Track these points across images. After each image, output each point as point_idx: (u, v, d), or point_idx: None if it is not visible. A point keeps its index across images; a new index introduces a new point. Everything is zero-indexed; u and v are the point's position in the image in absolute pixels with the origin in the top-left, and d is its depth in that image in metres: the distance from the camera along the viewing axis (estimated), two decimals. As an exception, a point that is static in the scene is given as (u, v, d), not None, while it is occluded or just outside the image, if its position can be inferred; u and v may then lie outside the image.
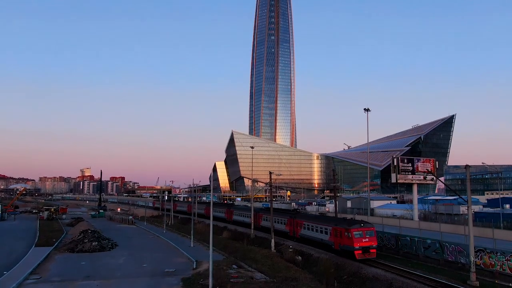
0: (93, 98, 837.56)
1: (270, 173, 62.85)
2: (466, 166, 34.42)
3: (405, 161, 78.08)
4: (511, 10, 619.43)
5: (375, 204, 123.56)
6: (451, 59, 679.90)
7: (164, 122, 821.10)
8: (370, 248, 45.06)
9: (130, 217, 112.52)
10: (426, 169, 76.40)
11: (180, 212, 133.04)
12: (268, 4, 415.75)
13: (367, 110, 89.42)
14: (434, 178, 79.26)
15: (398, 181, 76.08)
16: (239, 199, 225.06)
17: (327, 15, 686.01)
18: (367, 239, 45.23)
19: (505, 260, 36.39)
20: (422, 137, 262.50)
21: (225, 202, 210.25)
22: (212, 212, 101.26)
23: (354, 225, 46.96)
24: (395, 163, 76.36)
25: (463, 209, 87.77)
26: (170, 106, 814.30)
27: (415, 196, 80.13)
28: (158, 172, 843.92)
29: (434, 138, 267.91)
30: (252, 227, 72.70)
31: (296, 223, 61.51)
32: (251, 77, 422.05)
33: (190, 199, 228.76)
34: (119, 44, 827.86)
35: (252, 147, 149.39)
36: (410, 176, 76.42)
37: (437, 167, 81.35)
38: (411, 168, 76.88)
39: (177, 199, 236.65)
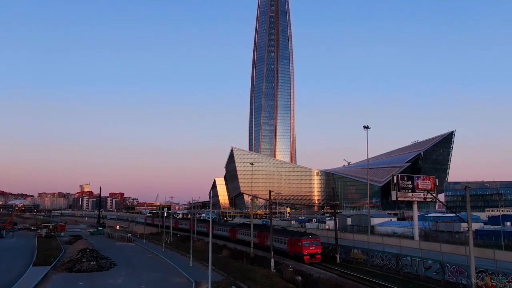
0: (92, 113, 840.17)
1: (270, 192, 62.62)
2: (466, 188, 34.23)
3: (405, 178, 77.70)
4: (510, 28, 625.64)
5: (375, 221, 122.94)
6: (450, 76, 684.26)
7: (164, 137, 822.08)
8: (316, 254, 57.95)
9: (129, 234, 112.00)
10: (426, 187, 76.10)
11: (167, 227, 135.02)
12: (268, 22, 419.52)
13: (366, 127, 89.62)
14: (434, 197, 78.74)
15: (398, 199, 75.65)
16: (238, 216, 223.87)
17: (327, 32, 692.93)
18: (313, 247, 57.59)
19: (507, 281, 36.05)
20: (422, 153, 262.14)
21: (225, 219, 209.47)
22: (196, 227, 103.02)
23: (304, 237, 60.10)
24: (395, 181, 75.99)
25: (463, 226, 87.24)
26: (170, 121, 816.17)
27: (415, 214, 79.73)
28: (158, 188, 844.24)
29: (434, 154, 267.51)
30: (252, 246, 72.29)
31: (263, 236, 72.68)
32: (251, 94, 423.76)
33: (189, 216, 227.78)
34: (120, 60, 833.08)
35: (251, 164, 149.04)
36: (410, 194, 75.95)
37: (437, 184, 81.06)
38: (411, 186, 76.45)
39: (176, 216, 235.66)
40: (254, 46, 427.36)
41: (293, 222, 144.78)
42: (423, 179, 78.35)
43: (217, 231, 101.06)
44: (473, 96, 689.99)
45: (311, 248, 57.28)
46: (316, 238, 60.23)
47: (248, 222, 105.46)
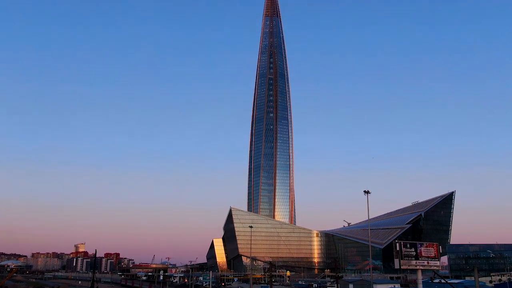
0: (88, 172, 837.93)
1: (271, 262, 61.04)
2: (474, 269, 33.24)
3: (408, 245, 76.19)
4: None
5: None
6: (448, 136, 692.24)
7: (162, 197, 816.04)
8: None
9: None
10: (430, 255, 74.56)
11: None
12: (267, 83, 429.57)
13: (367, 192, 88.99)
14: (439, 264, 77.01)
15: (402, 267, 73.84)
16: (236, 279, 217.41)
17: (326, 93, 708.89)
18: None
19: None
20: (422, 214, 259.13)
21: (223, 284, 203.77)
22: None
23: None
24: (397, 248, 74.49)
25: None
26: (169, 180, 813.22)
27: (420, 283, 77.41)
28: (155, 247, 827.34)
29: (435, 215, 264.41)
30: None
31: None
32: (250, 153, 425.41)
33: (186, 280, 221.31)
34: (117, 120, 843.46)
35: (250, 227, 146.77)
36: (413, 262, 74.28)
37: (440, 251, 79.60)
38: (414, 253, 74.96)
39: (172, 279, 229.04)
40: (253, 107, 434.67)
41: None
42: (426, 246, 76.80)
43: None
44: (473, 157, 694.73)
45: None
46: None
47: None
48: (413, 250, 74.89)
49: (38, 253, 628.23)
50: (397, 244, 75.15)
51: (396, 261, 73.44)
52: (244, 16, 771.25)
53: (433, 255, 76.02)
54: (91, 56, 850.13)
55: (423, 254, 74.97)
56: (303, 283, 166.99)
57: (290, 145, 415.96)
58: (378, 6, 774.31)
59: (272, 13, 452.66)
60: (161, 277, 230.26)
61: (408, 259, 73.84)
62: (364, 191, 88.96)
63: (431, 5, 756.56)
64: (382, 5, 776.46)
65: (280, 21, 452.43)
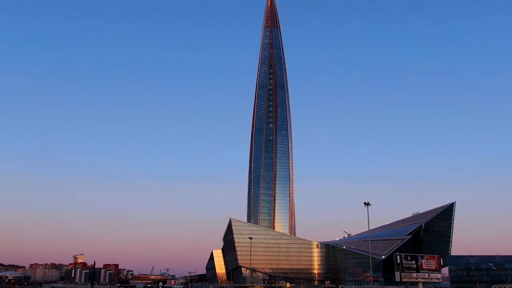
0: (87, 183, 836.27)
1: (270, 274, 60.59)
2: (476, 283, 32.92)
3: (409, 258, 76.14)
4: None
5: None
6: (448, 146, 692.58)
7: (161, 207, 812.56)
8: None
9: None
10: (431, 267, 74.31)
11: None
12: (267, 94, 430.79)
13: (367, 204, 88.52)
14: (440, 277, 76.58)
15: (403, 280, 73.58)
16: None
17: (326, 104, 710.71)
18: None
19: None
20: (423, 225, 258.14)
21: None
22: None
23: None
24: (398, 261, 74.34)
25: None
26: (167, 191, 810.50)
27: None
28: (154, 258, 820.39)
29: (436, 226, 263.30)
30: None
31: None
32: (249, 164, 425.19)
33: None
34: (116, 128, 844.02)
35: (250, 238, 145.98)
36: (414, 275, 74.30)
37: (441, 264, 79.29)
38: (415, 266, 74.99)
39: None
40: (253, 117, 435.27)
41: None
42: (427, 259, 76.76)
43: None
44: (473, 167, 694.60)
45: None
46: None
47: None
48: (414, 262, 74.89)
49: (37, 264, 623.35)
50: (398, 257, 75.12)
51: (397, 273, 73.42)
52: (244, 27, 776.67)
53: (434, 267, 76.02)
54: (88, 57, 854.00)
55: (424, 267, 74.93)
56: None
57: (290, 156, 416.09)
58: (378, 18, 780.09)
59: (272, 24, 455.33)
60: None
61: (409, 272, 73.80)
62: (365, 203, 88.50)
63: (430, 9, 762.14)
64: (382, 17, 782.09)
65: (280, 32, 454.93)
